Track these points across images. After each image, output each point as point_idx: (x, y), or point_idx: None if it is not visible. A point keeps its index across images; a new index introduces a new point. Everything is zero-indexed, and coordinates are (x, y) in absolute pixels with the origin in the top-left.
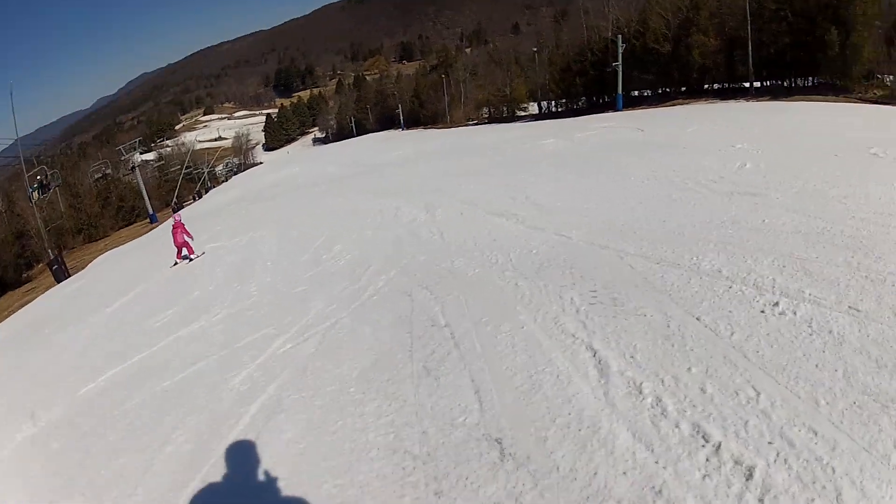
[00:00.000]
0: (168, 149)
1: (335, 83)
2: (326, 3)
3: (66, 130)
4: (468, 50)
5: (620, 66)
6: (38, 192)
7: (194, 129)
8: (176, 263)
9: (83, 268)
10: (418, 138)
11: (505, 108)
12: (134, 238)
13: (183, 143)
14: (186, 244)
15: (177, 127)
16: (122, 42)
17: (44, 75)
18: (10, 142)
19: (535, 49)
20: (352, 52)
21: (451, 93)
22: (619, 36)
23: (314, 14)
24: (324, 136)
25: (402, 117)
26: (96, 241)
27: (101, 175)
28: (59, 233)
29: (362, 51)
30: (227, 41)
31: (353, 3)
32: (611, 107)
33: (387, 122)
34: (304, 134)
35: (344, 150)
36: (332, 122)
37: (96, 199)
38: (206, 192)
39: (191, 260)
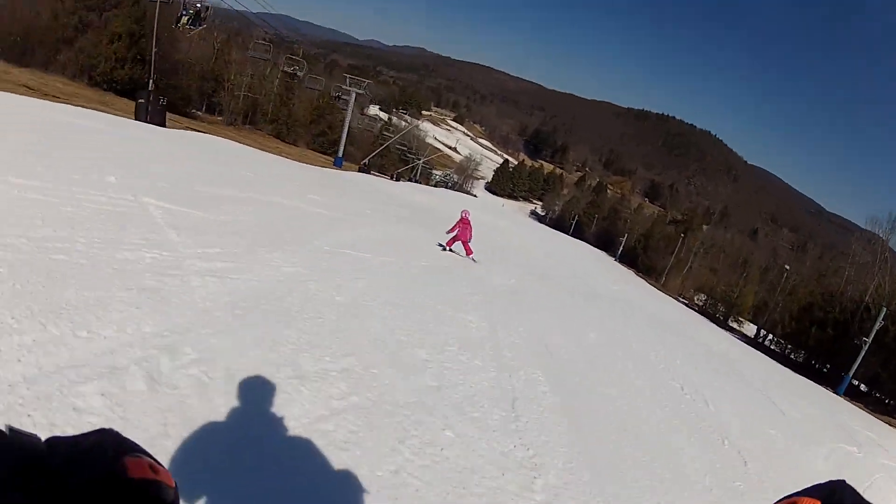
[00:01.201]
0: (404, 122)
1: (579, 175)
2: (608, 100)
3: (329, 43)
4: (704, 227)
5: (867, 345)
6: (189, 21)
7: (438, 125)
8: (447, 250)
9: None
10: (635, 286)
11: (720, 308)
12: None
13: (419, 127)
14: (465, 243)
15: (423, 112)
16: (422, 4)
17: None
18: None
19: (786, 267)
20: (607, 157)
21: (679, 257)
22: (885, 309)
23: (593, 102)
24: (543, 214)
25: (620, 248)
26: (285, 141)
27: (316, 89)
28: (253, 107)
29: (616, 164)
30: (507, 73)
31: (630, 116)
32: (830, 381)
33: (602, 240)
34: (526, 200)
35: (561, 249)
36: (556, 207)
37: (311, 110)
38: (409, 180)
39: (475, 261)
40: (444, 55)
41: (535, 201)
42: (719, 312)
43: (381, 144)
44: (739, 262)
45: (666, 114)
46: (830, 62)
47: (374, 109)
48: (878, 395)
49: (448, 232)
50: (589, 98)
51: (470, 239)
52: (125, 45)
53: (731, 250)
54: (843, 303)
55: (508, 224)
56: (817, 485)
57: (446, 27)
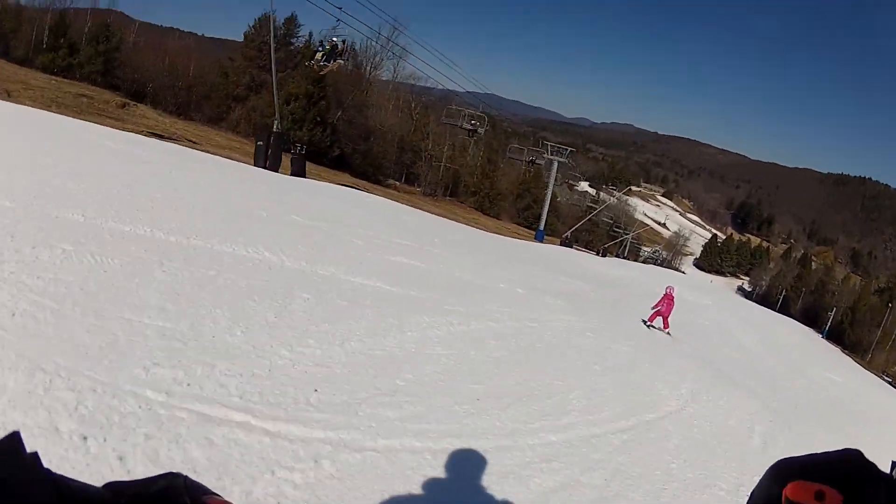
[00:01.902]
0: (613, 199)
1: (784, 248)
2: (808, 167)
3: (536, 121)
4: None
5: None
6: (324, 58)
7: (647, 200)
8: (649, 326)
9: None
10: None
11: None
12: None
13: (628, 203)
14: (665, 318)
15: (633, 188)
16: (630, 82)
17: (553, 63)
18: None
19: None
20: (810, 228)
21: (886, 328)
22: None
23: (794, 170)
24: (750, 290)
25: (827, 325)
26: (486, 215)
27: (529, 160)
28: (454, 178)
29: (818, 232)
30: (712, 146)
31: (830, 182)
32: None
33: (808, 315)
34: (734, 275)
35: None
36: (763, 282)
37: (517, 183)
38: (616, 256)
39: (668, 334)
40: (651, 130)
41: (742, 276)
42: None
43: (589, 221)
44: None
45: (864, 176)
46: None
47: (583, 186)
48: None
49: (652, 308)
50: (791, 166)
51: (669, 314)
52: (302, 105)
53: None
54: None
55: (714, 302)
56: (831, 460)
57: (654, 102)
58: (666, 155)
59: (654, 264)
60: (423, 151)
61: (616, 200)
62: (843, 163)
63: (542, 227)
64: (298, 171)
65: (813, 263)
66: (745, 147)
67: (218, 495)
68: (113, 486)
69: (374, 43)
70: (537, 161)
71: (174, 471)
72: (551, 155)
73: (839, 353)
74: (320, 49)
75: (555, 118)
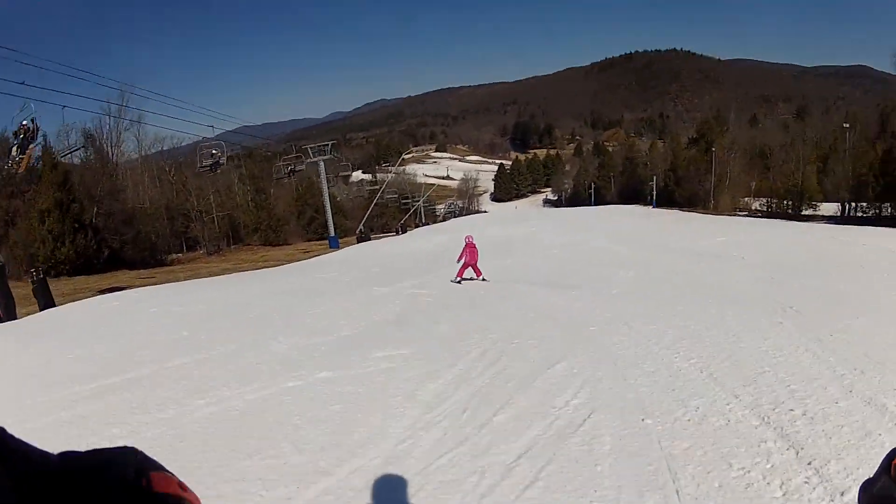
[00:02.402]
0: (390, 175)
1: (573, 147)
2: (570, 66)
3: (294, 133)
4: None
5: None
6: (19, 149)
7: (423, 162)
8: (460, 281)
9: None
10: (685, 222)
11: (788, 203)
12: (308, 256)
13: (406, 172)
14: (475, 266)
15: (405, 156)
16: (367, 64)
17: (285, 74)
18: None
19: (845, 125)
20: (591, 119)
21: (718, 173)
22: None
23: (557, 75)
24: (556, 198)
25: (654, 193)
26: (276, 245)
27: (289, 170)
28: (232, 224)
29: (602, 120)
30: (469, 86)
31: (596, 71)
32: None
33: (630, 194)
34: (535, 192)
35: (598, 218)
36: (566, 186)
37: (293, 202)
38: (417, 226)
39: (485, 279)
40: (403, 97)
41: (543, 190)
42: (788, 207)
43: (379, 206)
44: (767, 154)
45: (628, 52)
46: None
47: (358, 175)
48: None
49: (457, 261)
50: (552, 72)
51: (476, 261)
52: (57, 218)
53: (751, 147)
54: None
55: (518, 228)
56: None
57: (396, 72)
58: (426, 113)
59: (455, 217)
60: (191, 211)
61: (393, 175)
62: (606, 48)
63: (332, 233)
64: (47, 303)
65: (609, 148)
66: (501, 74)
67: (168, 472)
68: (65, 454)
69: (107, 118)
70: (298, 168)
71: (132, 445)
72: (313, 157)
73: (677, 212)
74: (15, 142)
75: (310, 124)
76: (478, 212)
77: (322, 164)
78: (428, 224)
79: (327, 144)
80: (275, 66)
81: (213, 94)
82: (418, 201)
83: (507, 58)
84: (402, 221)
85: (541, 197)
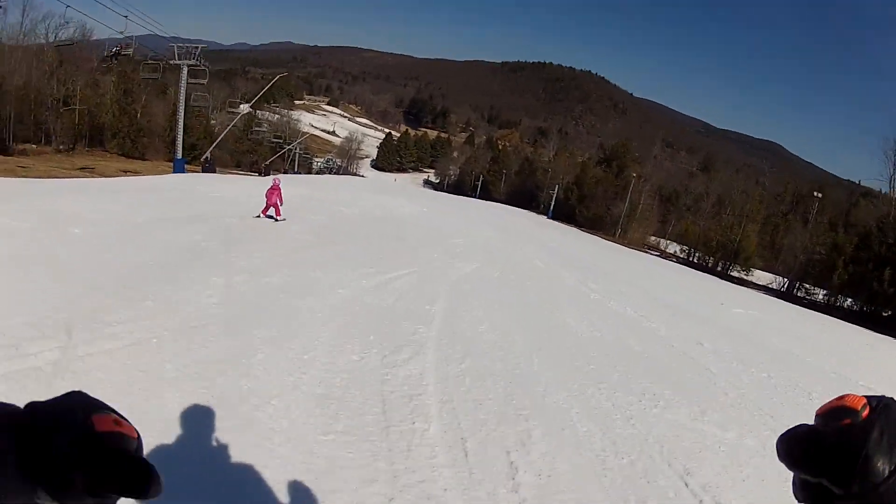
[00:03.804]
0: (276, 116)
1: (465, 136)
2: (481, 59)
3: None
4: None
5: None
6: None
7: (313, 112)
8: (258, 217)
9: None
10: (605, 250)
11: (714, 259)
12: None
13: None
14: (276, 205)
15: (296, 103)
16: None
17: None
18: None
19: (817, 194)
20: (490, 114)
21: (632, 200)
22: None
23: (466, 63)
24: (437, 181)
25: (552, 204)
26: (131, 157)
27: (113, 52)
28: (94, 124)
29: (500, 118)
30: (376, 50)
31: (506, 70)
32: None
33: (521, 198)
34: (417, 170)
35: (494, 215)
36: (451, 172)
37: (170, 116)
38: (284, 172)
39: (276, 220)
40: (311, 45)
41: (426, 170)
42: (715, 264)
43: (252, 141)
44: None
45: (542, 61)
46: None
47: (244, 108)
48: None
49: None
50: (461, 60)
51: (281, 202)
52: None
53: (663, 184)
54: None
55: (403, 204)
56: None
57: (311, 16)
58: (329, 65)
59: (330, 174)
60: (49, 98)
61: (278, 116)
62: (521, 52)
63: (179, 156)
64: None
65: (499, 146)
66: (410, 48)
67: (112, 411)
68: (31, 405)
69: None
70: (124, 53)
71: (76, 388)
72: (179, 59)
73: (580, 231)
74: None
75: (214, 47)
76: (355, 174)
77: (185, 69)
78: (299, 173)
79: (196, 47)
80: None
81: None
82: (290, 146)
83: (421, 33)
84: (268, 161)
85: (422, 176)
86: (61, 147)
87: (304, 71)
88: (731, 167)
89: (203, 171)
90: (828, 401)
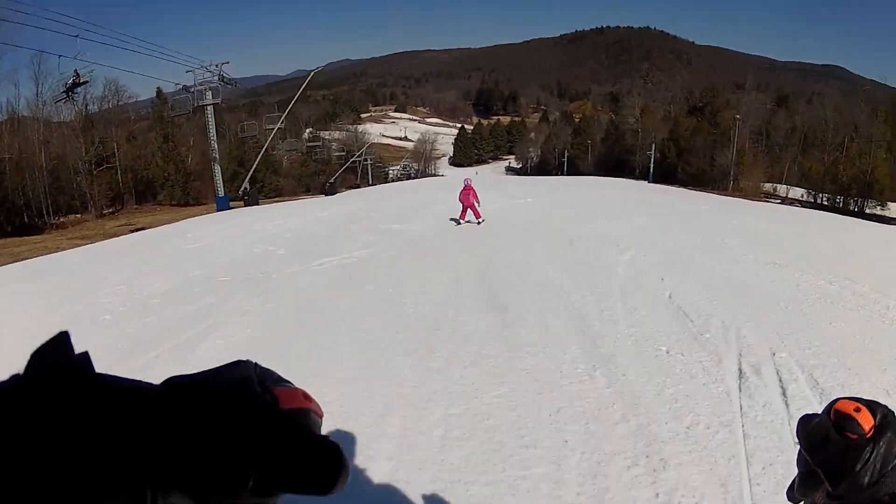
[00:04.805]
0: (344, 132)
1: (538, 116)
2: (539, 37)
3: (255, 89)
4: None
5: None
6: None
7: (381, 122)
8: (459, 223)
9: None
10: (733, 206)
11: (841, 198)
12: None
13: (361, 130)
14: (473, 207)
15: (363, 115)
16: (332, 23)
17: (254, 31)
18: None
19: None
20: (558, 89)
21: (736, 149)
22: None
23: (524, 44)
24: (520, 166)
25: (651, 166)
26: (184, 206)
27: (67, 86)
28: (147, 182)
29: (569, 91)
30: (434, 49)
31: (564, 42)
32: None
33: (613, 166)
34: (496, 159)
35: (604, 192)
36: (532, 154)
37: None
38: (353, 187)
39: (479, 223)
40: (367, 58)
41: (505, 157)
42: (843, 202)
43: (318, 161)
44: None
45: (599, 27)
46: None
47: (306, 134)
48: None
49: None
50: (519, 41)
51: (478, 201)
52: None
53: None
54: None
55: (503, 198)
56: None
57: (361, 30)
58: (389, 74)
59: (408, 179)
60: (81, 162)
61: (346, 133)
62: (575, 21)
63: (220, 193)
64: None
65: (575, 118)
66: (467, 40)
67: (289, 383)
68: (173, 381)
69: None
70: (82, 82)
71: (245, 358)
72: (197, 83)
73: (687, 191)
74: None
75: (272, 80)
76: (434, 175)
77: (209, 92)
78: (373, 185)
79: (217, 65)
80: (244, 19)
81: (183, 43)
82: (363, 158)
83: (473, 23)
84: (331, 179)
85: (503, 164)
86: (104, 211)
87: (366, 83)
88: (801, 98)
89: (246, 206)
90: (849, 400)
